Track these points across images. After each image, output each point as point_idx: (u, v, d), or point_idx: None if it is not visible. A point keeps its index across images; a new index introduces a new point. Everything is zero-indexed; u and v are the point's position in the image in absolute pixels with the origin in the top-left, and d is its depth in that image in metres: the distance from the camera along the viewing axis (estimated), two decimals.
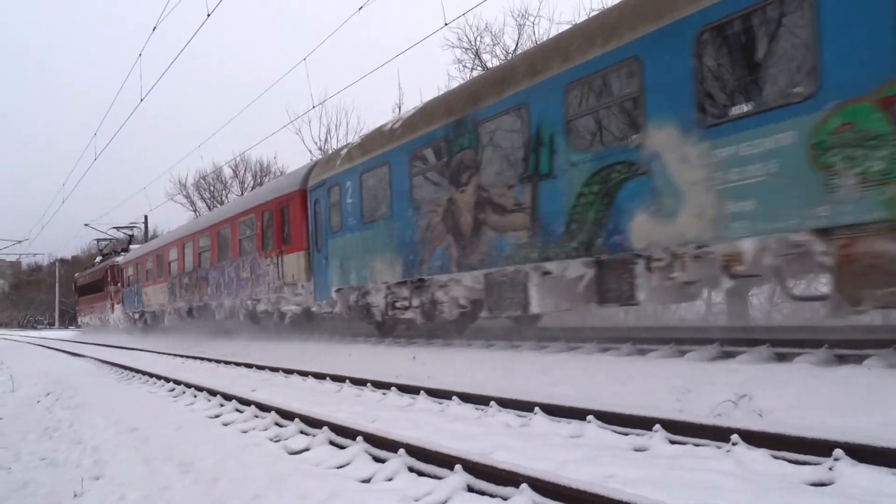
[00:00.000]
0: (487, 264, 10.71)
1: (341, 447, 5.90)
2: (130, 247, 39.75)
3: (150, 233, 52.73)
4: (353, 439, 5.78)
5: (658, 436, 5.24)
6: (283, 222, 17.60)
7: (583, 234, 8.96)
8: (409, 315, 13.13)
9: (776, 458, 4.50)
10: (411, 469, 4.94)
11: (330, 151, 33.20)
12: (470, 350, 11.64)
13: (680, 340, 9.02)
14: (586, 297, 9.51)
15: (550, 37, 12.77)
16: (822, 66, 6.36)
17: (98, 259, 45.03)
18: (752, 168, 6.94)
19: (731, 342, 8.44)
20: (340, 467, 5.36)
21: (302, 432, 6.68)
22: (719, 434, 4.92)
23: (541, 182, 9.63)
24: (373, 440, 5.59)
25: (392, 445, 5.29)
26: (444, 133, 11.59)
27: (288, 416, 7.23)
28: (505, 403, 7.03)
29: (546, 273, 9.73)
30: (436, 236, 11.86)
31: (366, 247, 13.92)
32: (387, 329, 14.98)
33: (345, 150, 15.43)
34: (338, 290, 15.20)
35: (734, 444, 4.68)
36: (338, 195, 14.92)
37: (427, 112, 12.51)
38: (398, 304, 13.39)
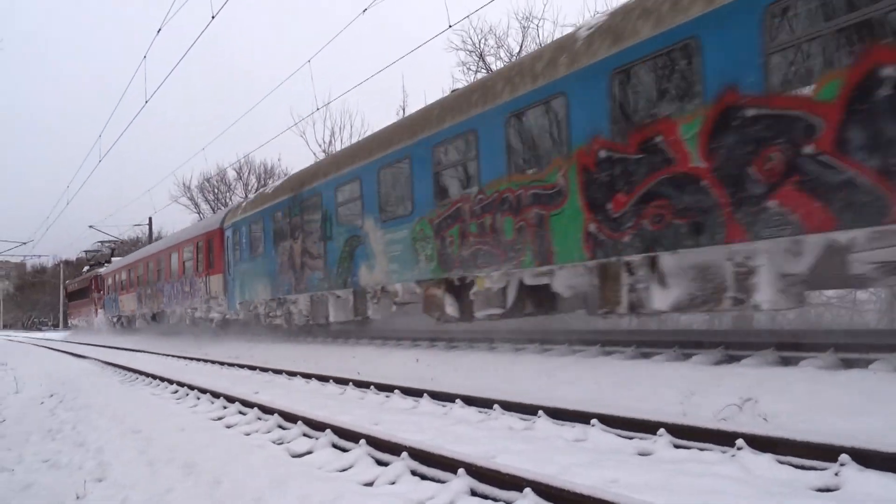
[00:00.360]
0: (309, 290, 16.55)
1: (344, 450, 5.88)
2: (112, 259, 43.91)
3: (155, 235, 52.79)
4: (356, 442, 5.77)
5: (662, 440, 5.21)
6: (210, 251, 23.34)
7: (344, 275, 14.89)
8: (278, 321, 18.71)
9: (782, 463, 4.47)
10: (414, 472, 4.92)
11: (333, 153, 33.30)
12: (474, 353, 11.62)
13: (684, 344, 8.98)
14: (353, 313, 15.00)
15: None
16: (414, 202, 12.31)
17: (85, 269, 47.45)
18: (396, 246, 12.86)
19: (737, 346, 8.40)
20: (343, 470, 5.34)
21: (305, 435, 6.67)
22: (724, 438, 4.88)
23: (328, 242, 15.52)
24: (376, 443, 5.57)
25: (395, 449, 5.27)
26: (287, 204, 17.55)
27: (291, 418, 7.22)
28: (508, 406, 7.00)
29: (337, 296, 15.49)
30: (286, 270, 17.66)
31: (253, 273, 19.85)
32: (267, 329, 20.20)
33: (244, 204, 21.64)
34: (240, 303, 20.92)
35: (739, 448, 4.65)
36: (238, 235, 20.95)
37: (279, 187, 18.98)
38: (271, 314, 19.10)
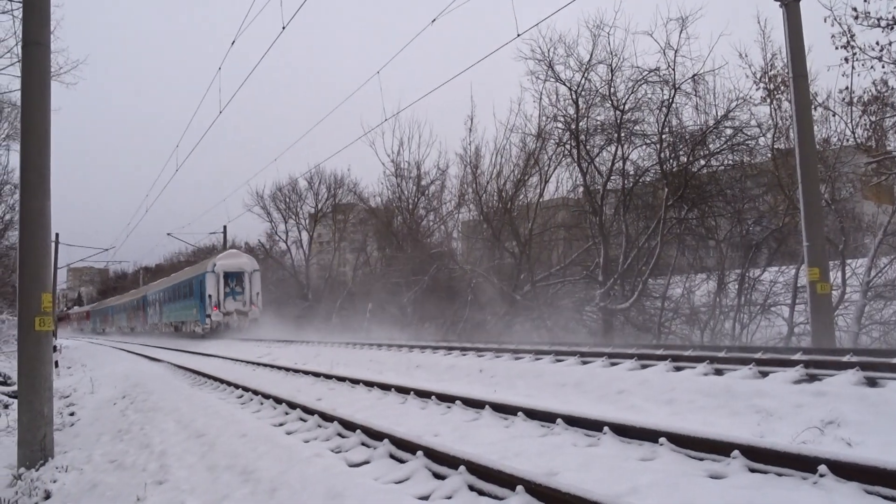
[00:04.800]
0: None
1: (401, 461, 5.76)
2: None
3: (229, 243, 54.28)
4: (414, 454, 5.63)
5: (736, 462, 4.88)
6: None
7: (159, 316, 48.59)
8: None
9: (869, 493, 4.10)
10: (471, 487, 4.75)
11: (402, 164, 33.70)
12: (539, 364, 11.38)
13: (760, 361, 8.54)
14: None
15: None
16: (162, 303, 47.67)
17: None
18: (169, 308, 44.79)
19: (818, 364, 7.93)
20: (399, 482, 5.21)
21: (363, 444, 6.58)
22: (805, 463, 4.52)
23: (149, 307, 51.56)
24: (433, 455, 5.42)
25: (453, 462, 5.11)
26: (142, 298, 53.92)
27: (350, 426, 7.15)
28: (572, 422, 6.74)
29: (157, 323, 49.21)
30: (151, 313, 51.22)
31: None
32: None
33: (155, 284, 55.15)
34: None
35: (822, 475, 4.30)
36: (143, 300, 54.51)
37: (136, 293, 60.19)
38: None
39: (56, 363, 25.91)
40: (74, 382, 18.24)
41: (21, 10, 9.52)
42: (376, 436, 6.49)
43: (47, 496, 7.14)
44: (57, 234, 43.42)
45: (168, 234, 68.76)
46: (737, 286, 19.93)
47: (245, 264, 36.58)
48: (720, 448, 5.14)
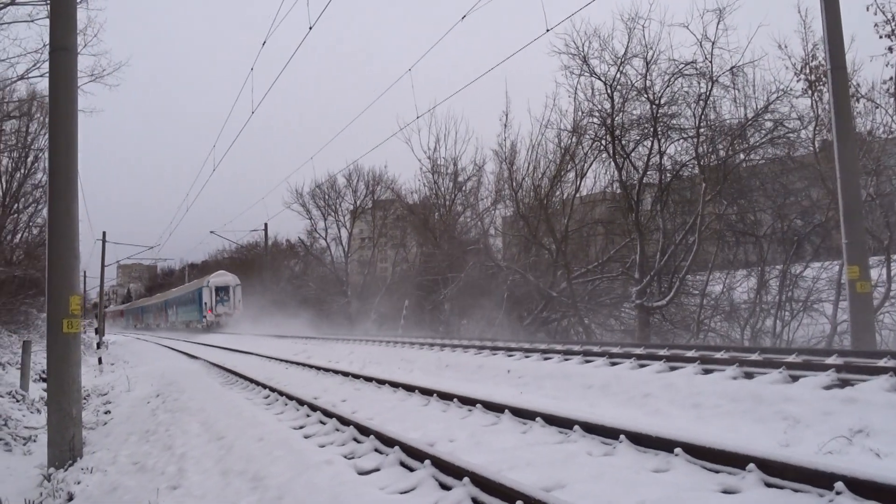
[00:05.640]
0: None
1: (411, 469, 5.68)
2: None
3: (270, 240, 55.05)
4: (422, 462, 5.55)
5: (752, 476, 4.67)
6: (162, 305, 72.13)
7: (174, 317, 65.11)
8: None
9: None
10: (475, 500, 4.64)
11: (438, 161, 33.63)
12: (567, 365, 11.21)
13: (791, 365, 8.24)
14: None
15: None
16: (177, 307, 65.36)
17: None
18: (179, 311, 63.89)
19: (851, 369, 7.61)
20: (404, 493, 5.13)
21: (376, 450, 6.52)
22: (821, 479, 4.30)
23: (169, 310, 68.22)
24: (440, 465, 5.33)
25: (458, 473, 5.00)
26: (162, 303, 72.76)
27: (365, 431, 7.10)
28: (590, 429, 6.57)
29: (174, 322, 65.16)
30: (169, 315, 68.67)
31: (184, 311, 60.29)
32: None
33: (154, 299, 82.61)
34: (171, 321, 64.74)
35: (838, 492, 4.08)
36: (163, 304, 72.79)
37: (157, 297, 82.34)
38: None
39: (99, 360, 26.58)
40: (113, 380, 18.65)
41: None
42: (388, 442, 6.43)
43: (70, 498, 7.25)
44: (104, 233, 44.51)
45: (211, 231, 70.35)
46: (778, 283, 19.39)
47: (230, 281, 51.80)
48: (736, 460, 4.94)
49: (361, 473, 5.75)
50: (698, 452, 5.28)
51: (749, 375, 8.43)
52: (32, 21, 17.51)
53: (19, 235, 31.03)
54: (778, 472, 4.59)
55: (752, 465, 4.74)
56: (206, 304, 50.96)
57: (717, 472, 5.00)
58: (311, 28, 13.67)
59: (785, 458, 4.64)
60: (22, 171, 29.03)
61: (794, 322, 18.85)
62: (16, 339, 22.07)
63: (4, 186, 29.30)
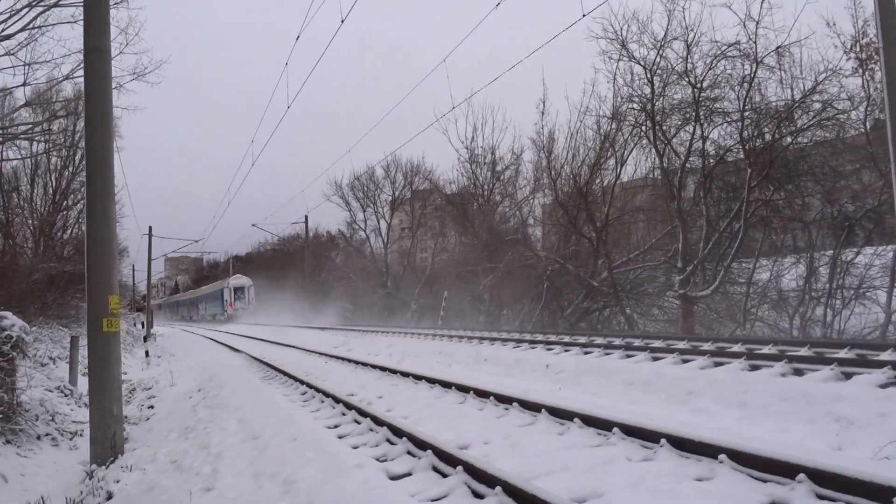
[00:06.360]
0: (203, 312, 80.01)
1: (444, 475, 5.54)
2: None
3: (312, 231, 55.56)
4: (455, 468, 5.41)
5: (802, 487, 4.42)
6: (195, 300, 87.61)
7: (204, 311, 79.61)
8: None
9: None
10: None
11: (476, 150, 33.39)
12: (607, 360, 10.97)
13: (843, 361, 7.88)
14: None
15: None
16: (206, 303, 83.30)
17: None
18: (207, 306, 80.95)
19: None
20: (436, 500, 5.00)
21: (409, 453, 6.41)
22: (879, 493, 4.04)
23: (200, 304, 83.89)
24: (473, 472, 5.18)
25: (491, 481, 4.85)
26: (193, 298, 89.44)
27: (398, 433, 6.99)
28: (630, 431, 6.35)
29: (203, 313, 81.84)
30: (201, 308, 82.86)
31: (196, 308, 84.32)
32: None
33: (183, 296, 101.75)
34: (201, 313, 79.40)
35: None
36: (196, 299, 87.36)
37: (189, 293, 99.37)
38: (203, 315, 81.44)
39: (146, 352, 27.08)
40: (158, 374, 18.92)
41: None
42: (421, 445, 6.30)
43: (109, 497, 7.30)
44: (150, 227, 45.45)
45: (253, 224, 71.63)
46: (829, 270, 18.73)
47: (244, 283, 67.01)
48: (785, 469, 4.68)
49: (393, 478, 5.63)
50: (744, 460, 5.02)
51: (799, 372, 8.11)
52: (75, 22, 17.76)
53: (69, 231, 31.76)
54: (830, 483, 4.33)
55: (802, 476, 4.48)
56: (226, 300, 66.57)
57: (764, 481, 4.75)
58: (342, 21, 13.55)
59: (839, 470, 4.37)
60: (70, 168, 29.68)
61: (845, 311, 18.19)
62: (66, 334, 22.57)
63: (54, 184, 30.03)
